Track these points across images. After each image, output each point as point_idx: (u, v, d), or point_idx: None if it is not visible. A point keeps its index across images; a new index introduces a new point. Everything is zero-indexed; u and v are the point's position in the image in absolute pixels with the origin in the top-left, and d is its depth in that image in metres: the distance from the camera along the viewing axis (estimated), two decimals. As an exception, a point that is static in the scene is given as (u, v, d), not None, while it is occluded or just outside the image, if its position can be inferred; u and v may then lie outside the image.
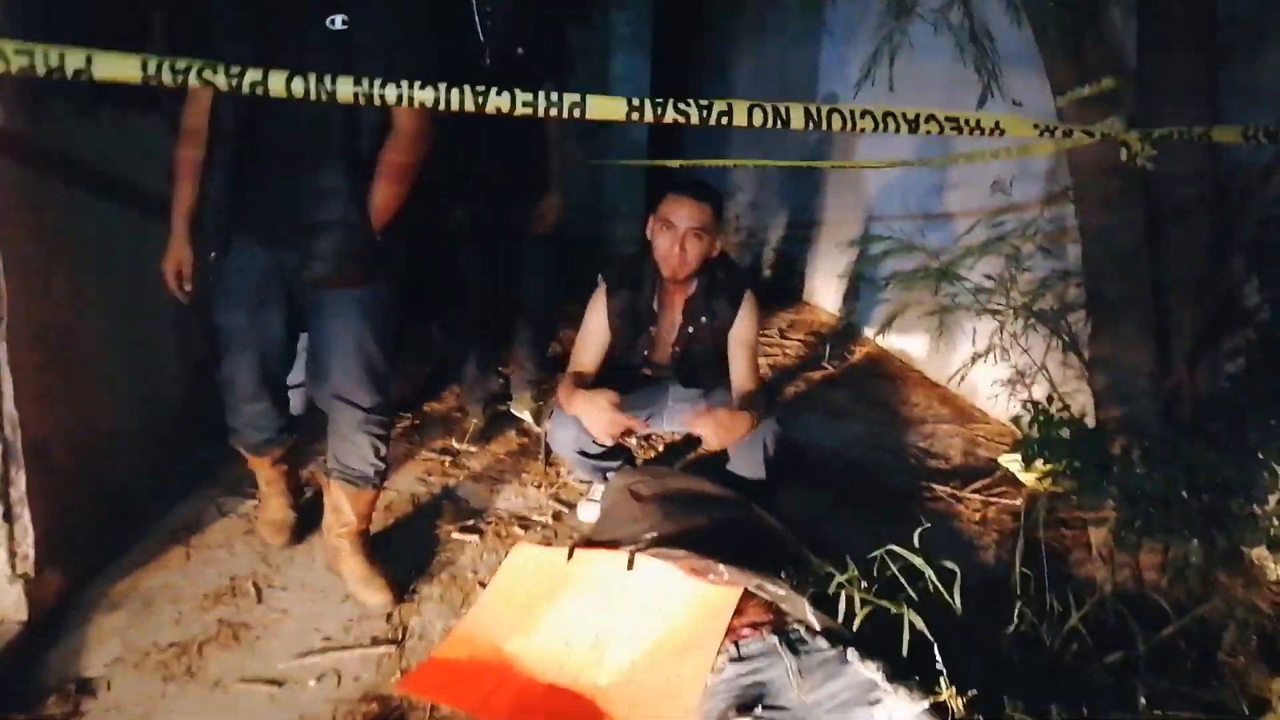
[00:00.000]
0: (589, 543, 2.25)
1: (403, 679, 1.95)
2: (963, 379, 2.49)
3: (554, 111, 1.52)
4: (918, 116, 1.70)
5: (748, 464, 2.45)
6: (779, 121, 1.62)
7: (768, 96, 5.33)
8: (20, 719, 1.77)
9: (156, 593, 2.20)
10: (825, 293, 4.86)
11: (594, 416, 2.27)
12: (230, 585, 2.24)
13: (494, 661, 1.97)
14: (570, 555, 2.14)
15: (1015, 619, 2.00)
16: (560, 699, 1.86)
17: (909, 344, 4.01)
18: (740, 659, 1.78)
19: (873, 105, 1.66)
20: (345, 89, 1.45)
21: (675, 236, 2.32)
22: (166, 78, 1.40)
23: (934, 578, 2.03)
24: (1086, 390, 2.44)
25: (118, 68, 1.38)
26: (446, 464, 2.94)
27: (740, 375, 2.44)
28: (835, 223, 4.64)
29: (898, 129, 1.70)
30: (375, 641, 2.08)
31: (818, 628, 1.82)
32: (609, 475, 2.56)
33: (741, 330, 2.45)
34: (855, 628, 1.89)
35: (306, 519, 2.47)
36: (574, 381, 2.42)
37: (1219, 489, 2.06)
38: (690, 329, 2.47)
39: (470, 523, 2.59)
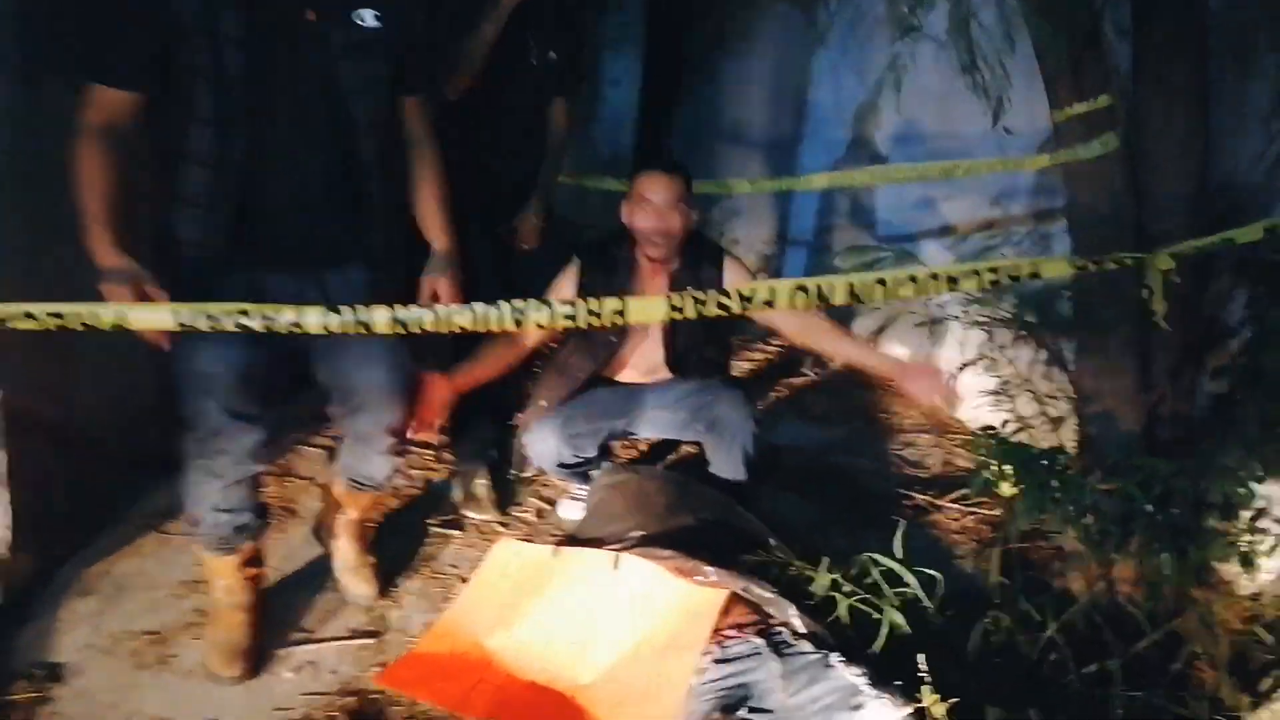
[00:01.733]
0: (574, 540, 2.24)
1: (381, 673, 1.93)
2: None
3: (595, 321, 1.54)
4: (960, 274, 1.77)
5: (728, 466, 2.45)
6: (822, 300, 1.66)
7: (759, 103, 5.26)
8: (-13, 703, 1.74)
9: (130, 579, 2.16)
10: (811, 301, 4.87)
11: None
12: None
13: (475, 657, 1.95)
14: (555, 553, 2.13)
15: (992, 627, 2.02)
16: (541, 696, 1.85)
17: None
18: (725, 660, 1.77)
19: (916, 269, 1.76)
20: (382, 317, 1.46)
21: (658, 213, 2.29)
22: (202, 324, 1.43)
23: (915, 584, 2.05)
24: (1069, 404, 2.47)
25: (151, 318, 1.44)
26: (428, 457, 2.92)
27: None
28: (827, 232, 4.65)
29: (938, 288, 1.76)
30: (353, 634, 2.05)
31: (802, 631, 1.82)
32: (591, 475, 2.55)
33: (740, 283, 2.39)
34: (834, 628, 1.91)
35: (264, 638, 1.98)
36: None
37: (1193, 505, 2.10)
38: None
39: (451, 517, 2.57)
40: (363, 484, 2.10)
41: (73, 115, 1.55)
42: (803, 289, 1.63)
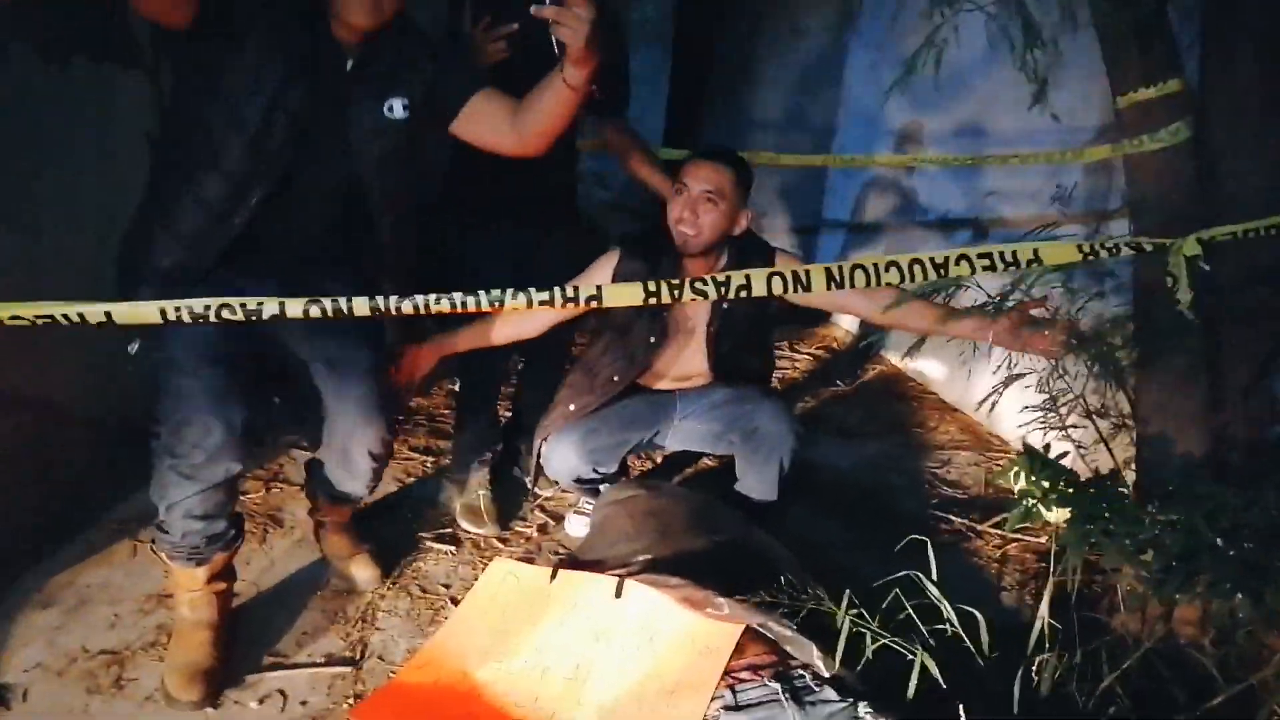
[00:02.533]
0: (575, 562, 2.05)
1: (357, 706, 1.74)
2: (994, 405, 2.27)
3: (571, 306, 1.53)
4: (946, 260, 1.64)
5: (760, 484, 2.25)
6: (799, 287, 1.58)
7: (793, 100, 5.06)
8: (-82, 730, 1.58)
9: (94, 591, 2.00)
10: (840, 308, 4.65)
11: None
12: (176, 587, 2.04)
13: (461, 690, 1.76)
14: (553, 576, 1.94)
15: (1043, 674, 1.80)
16: (532, 738, 1.66)
17: (926, 365, 3.80)
18: (737, 707, 1.57)
19: (899, 256, 1.62)
20: (361, 306, 1.40)
21: (687, 200, 2.10)
22: (186, 318, 1.35)
23: (954, 620, 1.83)
24: (1127, 423, 2.24)
25: (137, 313, 1.35)
26: (427, 465, 2.73)
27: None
28: (863, 232, 4.43)
29: (925, 275, 1.62)
30: (329, 660, 1.87)
31: (826, 675, 1.61)
32: (603, 489, 2.35)
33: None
34: (863, 671, 1.69)
35: (232, 662, 1.82)
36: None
37: (1268, 540, 1.86)
38: (724, 303, 2.21)
39: (447, 531, 2.38)
40: (339, 497, 2.05)
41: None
42: (779, 275, 1.55)
